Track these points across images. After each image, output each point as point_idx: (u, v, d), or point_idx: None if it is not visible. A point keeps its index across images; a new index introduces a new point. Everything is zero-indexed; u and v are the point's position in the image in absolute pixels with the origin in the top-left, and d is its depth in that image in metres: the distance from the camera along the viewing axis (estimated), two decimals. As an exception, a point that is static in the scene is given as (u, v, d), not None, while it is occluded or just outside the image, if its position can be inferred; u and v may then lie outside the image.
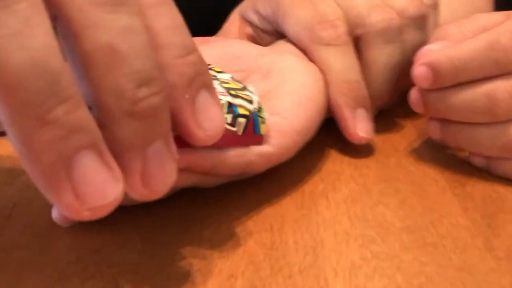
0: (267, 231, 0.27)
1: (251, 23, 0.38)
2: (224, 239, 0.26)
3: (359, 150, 0.34)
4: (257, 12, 0.37)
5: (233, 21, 0.39)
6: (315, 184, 0.31)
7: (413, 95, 0.32)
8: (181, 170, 0.24)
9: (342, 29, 0.32)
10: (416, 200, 0.29)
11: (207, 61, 0.29)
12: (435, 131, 0.32)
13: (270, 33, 0.37)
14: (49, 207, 0.29)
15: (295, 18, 0.33)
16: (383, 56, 0.33)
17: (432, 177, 0.31)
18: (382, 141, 0.36)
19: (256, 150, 0.27)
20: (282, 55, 0.33)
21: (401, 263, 0.24)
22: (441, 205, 0.29)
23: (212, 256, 0.25)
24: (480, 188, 0.30)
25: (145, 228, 0.27)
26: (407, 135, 0.36)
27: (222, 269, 0.24)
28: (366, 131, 0.33)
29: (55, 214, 0.26)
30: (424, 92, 0.32)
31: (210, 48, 0.32)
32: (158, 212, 0.28)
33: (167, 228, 0.27)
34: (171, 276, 0.24)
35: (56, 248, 0.26)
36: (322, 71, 0.32)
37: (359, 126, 0.32)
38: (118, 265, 0.24)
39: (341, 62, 0.32)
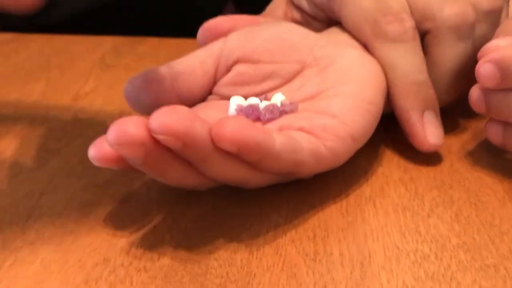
0: (309, 239, 0.25)
1: (299, 8, 0.35)
2: (263, 246, 0.24)
3: (408, 150, 0.32)
4: None
5: (279, 4, 0.36)
6: (361, 188, 0.28)
7: (475, 93, 0.29)
8: (230, 157, 0.22)
9: (409, 23, 0.29)
10: (473, 212, 0.26)
11: (261, 47, 0.29)
12: (496, 134, 0.29)
13: (321, 20, 0.34)
14: (76, 197, 0.27)
15: (356, 8, 0.30)
16: (452, 54, 0.30)
17: (490, 186, 0.29)
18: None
19: (310, 150, 0.24)
20: (342, 49, 0.30)
21: (459, 287, 0.22)
22: (501, 219, 0.26)
23: (251, 265, 0.23)
24: (544, 202, 0.27)
25: (178, 228, 0.25)
26: (461, 135, 0.34)
27: (261, 282, 0.22)
28: (437, 137, 0.30)
29: (93, 152, 0.23)
30: (487, 91, 0.29)
31: (263, 31, 0.30)
32: (192, 210, 0.26)
33: (202, 230, 0.25)
34: (205, 286, 0.22)
35: (83, 246, 0.24)
36: (385, 69, 0.30)
37: (429, 132, 0.29)
38: (148, 270, 0.23)
39: (408, 61, 0.29)
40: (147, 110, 0.27)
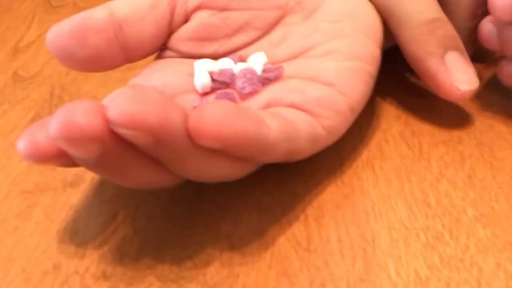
0: (301, 222, 0.21)
1: None
2: (246, 236, 0.20)
3: (406, 96, 0.27)
4: None
5: None
6: (356, 148, 0.24)
7: (486, 27, 0.25)
8: (213, 154, 0.17)
9: None
10: (488, 173, 0.23)
11: None
12: (510, 75, 0.25)
13: None
14: (18, 182, 0.23)
15: None
16: None
17: (504, 137, 0.25)
18: (434, 82, 0.29)
19: (307, 134, 0.20)
20: None
21: (481, 275, 0.18)
22: (521, 179, 0.22)
23: (232, 263, 0.19)
24: None
25: (142, 218, 0.21)
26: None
27: (246, 284, 0.18)
28: (468, 81, 0.24)
29: (23, 146, 0.17)
30: (502, 25, 0.24)
31: None
32: (158, 194, 0.22)
33: (171, 218, 0.21)
34: (179, 293, 0.18)
35: (28, 250, 0.20)
36: (386, 11, 0.24)
37: (457, 77, 0.23)
38: (109, 277, 0.19)
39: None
40: (82, 66, 0.22)
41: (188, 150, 0.16)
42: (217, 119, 0.16)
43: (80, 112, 0.15)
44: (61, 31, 0.21)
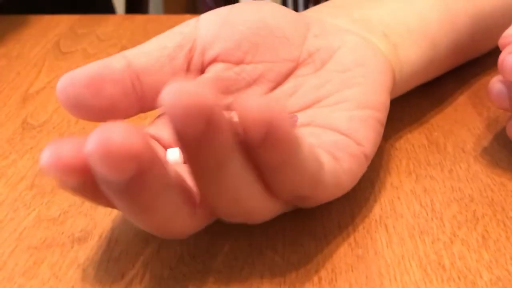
0: (314, 285, 0.20)
1: None
2: (258, 298, 0.20)
3: (416, 151, 0.27)
4: None
5: None
6: (368, 206, 0.24)
7: (496, 87, 0.25)
8: (248, 167, 0.17)
9: None
10: (502, 233, 0.22)
11: (247, 40, 0.23)
12: (521, 134, 0.25)
13: None
14: (26, 236, 0.22)
15: None
16: None
17: (517, 196, 0.24)
18: (444, 136, 0.29)
19: (329, 167, 0.20)
20: (339, 37, 0.24)
21: None
22: (536, 241, 0.22)
23: (244, 328, 0.19)
24: None
25: (151, 277, 0.21)
26: (475, 129, 0.29)
27: None
28: None
29: (47, 157, 0.16)
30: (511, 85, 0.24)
31: (244, 14, 0.24)
32: (167, 251, 0.22)
33: (180, 278, 0.20)
34: None
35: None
36: None
37: None
38: None
39: None
40: (93, 116, 0.21)
41: (229, 151, 0.16)
42: (263, 105, 0.16)
43: (119, 130, 0.15)
44: (74, 79, 0.21)
